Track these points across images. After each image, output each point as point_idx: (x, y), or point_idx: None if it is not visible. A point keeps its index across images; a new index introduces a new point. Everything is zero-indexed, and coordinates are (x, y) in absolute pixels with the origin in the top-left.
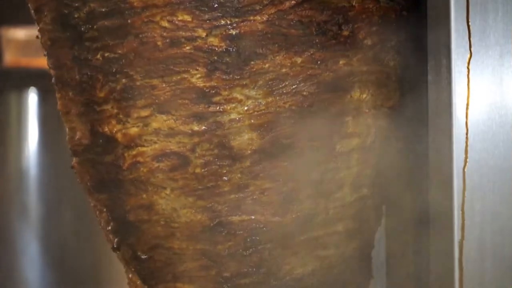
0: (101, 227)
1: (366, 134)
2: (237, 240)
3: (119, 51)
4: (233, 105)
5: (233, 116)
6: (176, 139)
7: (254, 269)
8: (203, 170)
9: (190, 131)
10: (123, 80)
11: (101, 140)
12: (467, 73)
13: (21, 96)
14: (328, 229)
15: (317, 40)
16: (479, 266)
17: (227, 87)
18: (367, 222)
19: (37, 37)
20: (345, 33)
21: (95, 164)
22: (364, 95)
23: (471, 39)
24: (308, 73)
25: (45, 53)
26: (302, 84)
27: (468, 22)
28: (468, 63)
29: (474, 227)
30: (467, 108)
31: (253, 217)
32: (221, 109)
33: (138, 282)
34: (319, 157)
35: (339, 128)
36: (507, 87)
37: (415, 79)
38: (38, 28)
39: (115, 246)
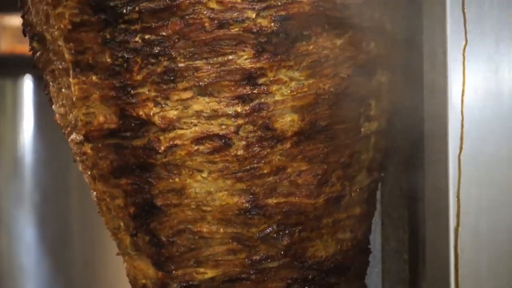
0: (102, 215)
1: (383, 118)
2: (271, 223)
3: (162, 33)
4: (278, 86)
5: (277, 97)
6: (219, 121)
7: (282, 252)
8: (245, 152)
9: (234, 113)
10: (165, 63)
11: (133, 124)
12: (462, 60)
13: (16, 83)
14: (350, 212)
15: (355, 22)
16: (475, 253)
17: (273, 68)
18: (373, 206)
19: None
20: (377, 15)
21: (119, 149)
22: (383, 79)
23: (467, 26)
24: (346, 55)
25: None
26: (340, 66)
27: (463, 9)
28: (464, 51)
29: (469, 214)
30: (462, 95)
31: (288, 199)
32: (266, 91)
33: (150, 270)
34: (349, 140)
35: (365, 111)
36: (503, 74)
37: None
38: (56, 12)
39: (132, 232)
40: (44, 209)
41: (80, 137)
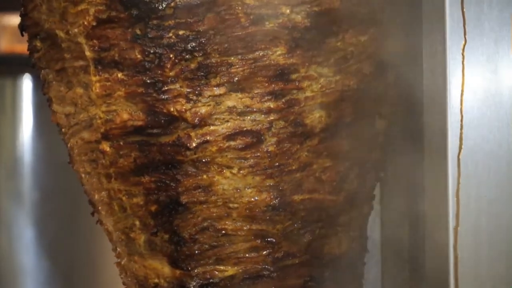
0: (110, 214)
1: (390, 116)
2: (296, 219)
3: (198, 29)
4: (309, 82)
5: (307, 93)
6: (251, 117)
7: (303, 249)
8: (276, 148)
9: (266, 109)
10: (199, 58)
11: (162, 121)
12: (461, 60)
13: (15, 82)
14: (360, 210)
15: (377, 19)
16: (474, 252)
17: (305, 64)
18: (372, 206)
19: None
20: (390, 12)
21: (144, 146)
22: (392, 78)
23: (466, 26)
24: (368, 51)
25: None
26: (363, 63)
27: (463, 9)
28: (463, 50)
29: (469, 214)
30: (461, 95)
31: (312, 195)
32: (298, 87)
33: (165, 269)
34: (366, 137)
35: (380, 109)
36: (502, 74)
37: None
38: (78, 9)
39: (153, 230)
40: (44, 208)
41: (96, 136)
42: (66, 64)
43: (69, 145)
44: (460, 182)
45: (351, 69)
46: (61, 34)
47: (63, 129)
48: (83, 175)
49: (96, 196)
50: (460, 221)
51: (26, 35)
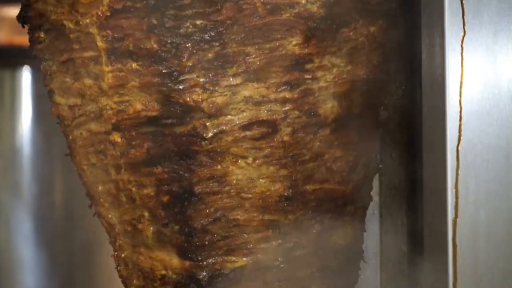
0: (117, 206)
1: (390, 107)
2: (306, 210)
3: (216, 18)
4: (323, 72)
5: (321, 83)
6: (267, 107)
7: (312, 240)
8: (290, 138)
9: (282, 99)
10: (216, 48)
11: (178, 110)
12: (460, 51)
13: (14, 74)
14: (363, 201)
15: (386, 10)
16: (473, 245)
17: (320, 54)
18: (371, 197)
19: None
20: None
21: (157, 136)
22: (392, 69)
23: (465, 17)
24: (377, 42)
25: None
26: (372, 54)
27: (461, 0)
28: (462, 42)
29: (468, 206)
30: (460, 87)
31: (323, 186)
32: (312, 77)
33: (174, 260)
34: (371, 128)
35: (383, 101)
36: (501, 65)
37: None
38: (90, 0)
39: (164, 221)
40: (42, 200)
41: (106, 127)
42: (73, 55)
43: (70, 137)
44: (459, 174)
45: (361, 59)
46: (69, 24)
47: (65, 121)
48: (85, 167)
49: (100, 188)
50: (459, 212)
51: (25, 27)
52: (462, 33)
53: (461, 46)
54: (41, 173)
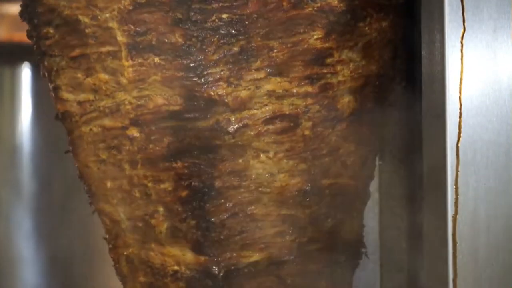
0: (130, 202)
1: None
2: (322, 204)
3: (242, 12)
4: (342, 67)
5: (340, 78)
6: (289, 101)
7: (326, 234)
8: (310, 132)
9: (304, 93)
10: (242, 42)
11: (202, 105)
12: (460, 48)
13: (14, 71)
14: (369, 197)
15: (394, 5)
16: (473, 242)
17: (339, 48)
18: (369, 193)
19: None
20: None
21: (179, 131)
22: (397, 65)
23: (465, 14)
24: (388, 38)
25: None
26: (384, 49)
27: None
28: (462, 38)
29: (467, 202)
30: (460, 83)
31: (337, 180)
32: (332, 71)
33: (187, 255)
34: (380, 123)
35: (390, 96)
36: (501, 62)
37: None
38: None
39: (182, 216)
40: (42, 198)
41: (123, 122)
42: (87, 50)
43: (76, 133)
44: (459, 170)
45: (374, 54)
46: (85, 19)
47: (72, 118)
48: (91, 164)
49: (109, 184)
50: (458, 209)
51: (24, 24)
52: (462, 30)
53: (461, 43)
54: (40, 171)
